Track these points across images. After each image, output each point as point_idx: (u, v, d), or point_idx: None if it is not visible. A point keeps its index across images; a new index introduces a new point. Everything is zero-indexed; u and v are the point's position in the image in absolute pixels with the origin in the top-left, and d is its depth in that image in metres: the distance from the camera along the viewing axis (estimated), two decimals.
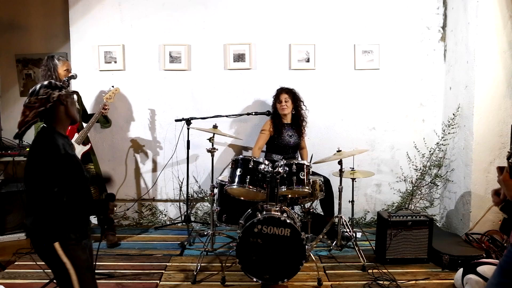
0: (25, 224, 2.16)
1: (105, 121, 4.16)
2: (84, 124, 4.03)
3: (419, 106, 4.72)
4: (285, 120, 4.30)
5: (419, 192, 4.75)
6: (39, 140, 2.12)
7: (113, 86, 4.19)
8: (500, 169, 1.77)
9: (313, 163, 3.98)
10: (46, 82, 2.18)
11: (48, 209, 2.08)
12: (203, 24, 4.64)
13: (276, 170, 3.31)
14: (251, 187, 3.36)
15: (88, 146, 3.96)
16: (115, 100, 4.25)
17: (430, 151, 4.68)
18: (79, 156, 3.89)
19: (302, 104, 4.34)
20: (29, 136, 2.42)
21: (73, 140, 3.87)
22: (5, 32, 4.79)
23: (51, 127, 2.16)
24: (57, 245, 2.09)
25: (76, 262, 2.12)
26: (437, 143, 4.64)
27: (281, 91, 4.27)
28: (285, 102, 4.22)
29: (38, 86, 2.16)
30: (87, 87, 4.56)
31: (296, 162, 3.45)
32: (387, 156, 4.77)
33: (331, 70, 4.68)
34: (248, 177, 3.36)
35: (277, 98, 4.27)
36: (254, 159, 3.43)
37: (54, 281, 3.13)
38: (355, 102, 4.70)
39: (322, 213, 4.28)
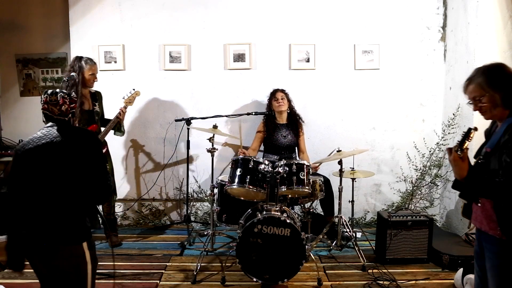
0: (37, 229, 2.01)
1: (118, 129, 4.05)
2: (102, 128, 3.99)
3: (419, 106, 4.72)
4: (279, 120, 4.31)
5: (419, 192, 4.75)
6: (89, 135, 2.16)
7: (134, 89, 4.04)
8: (449, 150, 1.97)
9: (312, 163, 4.00)
10: (73, 94, 2.25)
11: (83, 208, 2.07)
12: (203, 24, 4.64)
13: (276, 170, 3.31)
14: (251, 187, 3.36)
15: (103, 150, 3.92)
16: (116, 100, 4.20)
17: (430, 151, 4.68)
18: None
19: (293, 103, 4.41)
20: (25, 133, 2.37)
21: None
22: (5, 32, 4.79)
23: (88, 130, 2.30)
24: (85, 245, 2.05)
25: (94, 263, 2.10)
26: (437, 143, 4.64)
27: (276, 90, 4.34)
28: (282, 99, 4.26)
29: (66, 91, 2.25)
30: None
31: (296, 162, 3.45)
32: (387, 156, 4.77)
33: (331, 70, 4.68)
34: (248, 177, 3.36)
35: (273, 96, 4.31)
36: (254, 159, 3.43)
37: None
38: (355, 102, 4.70)
39: (322, 213, 4.28)
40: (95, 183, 2.08)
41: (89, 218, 2.12)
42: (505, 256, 1.98)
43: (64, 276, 2.04)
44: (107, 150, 4.02)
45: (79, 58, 3.86)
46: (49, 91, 2.19)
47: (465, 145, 1.96)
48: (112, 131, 4.04)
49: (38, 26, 4.81)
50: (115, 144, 4.71)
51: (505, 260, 1.99)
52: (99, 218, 2.52)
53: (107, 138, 4.00)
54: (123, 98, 4.00)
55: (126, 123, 4.71)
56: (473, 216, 2.13)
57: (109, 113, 4.13)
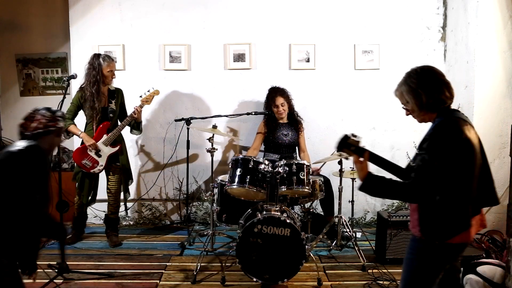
0: None
1: (136, 127, 4.06)
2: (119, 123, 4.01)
3: None
4: (280, 120, 4.31)
5: None
6: (32, 152, 2.08)
7: (152, 88, 4.02)
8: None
9: (312, 163, 4.00)
10: (60, 113, 2.27)
11: (9, 225, 1.96)
12: (203, 24, 4.64)
13: (276, 170, 3.31)
14: (251, 187, 3.36)
15: (116, 148, 3.96)
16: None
17: None
18: (105, 158, 3.91)
19: (292, 100, 4.35)
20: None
21: (101, 141, 3.88)
22: (5, 32, 4.80)
23: (39, 146, 2.12)
24: None
25: None
26: None
27: (276, 94, 4.25)
28: (282, 106, 4.23)
29: (55, 109, 2.28)
30: None
31: (296, 162, 3.45)
32: (387, 156, 4.66)
33: (331, 70, 4.68)
34: (248, 177, 3.36)
35: (272, 102, 4.25)
36: (254, 159, 3.43)
37: (55, 281, 3.14)
38: (355, 102, 4.70)
39: (322, 213, 4.28)
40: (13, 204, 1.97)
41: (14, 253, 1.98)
42: (419, 253, 2.01)
43: None
44: (121, 148, 4.02)
45: (97, 56, 3.87)
46: (35, 108, 2.23)
47: (344, 150, 2.12)
48: (129, 130, 4.09)
49: (38, 26, 4.81)
50: None
51: (418, 257, 2.02)
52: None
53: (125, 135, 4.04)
54: (140, 96, 4.00)
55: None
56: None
57: None
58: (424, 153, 1.94)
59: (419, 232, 1.99)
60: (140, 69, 4.68)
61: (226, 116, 4.45)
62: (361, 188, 2.11)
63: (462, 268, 3.12)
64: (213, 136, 3.88)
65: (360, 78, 4.68)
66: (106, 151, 3.91)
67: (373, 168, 2.15)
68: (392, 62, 4.67)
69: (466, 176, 1.91)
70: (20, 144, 2.08)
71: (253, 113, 4.35)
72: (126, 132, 4.13)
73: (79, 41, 4.64)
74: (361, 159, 2.12)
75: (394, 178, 2.12)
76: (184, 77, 4.69)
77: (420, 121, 2.17)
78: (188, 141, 4.30)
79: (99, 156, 3.89)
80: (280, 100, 4.22)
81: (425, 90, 2.04)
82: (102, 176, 4.14)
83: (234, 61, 4.66)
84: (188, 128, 4.27)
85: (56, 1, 4.78)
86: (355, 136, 2.15)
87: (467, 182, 1.92)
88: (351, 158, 2.25)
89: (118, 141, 4.00)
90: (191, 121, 4.26)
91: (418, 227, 1.99)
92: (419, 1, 4.62)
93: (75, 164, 3.96)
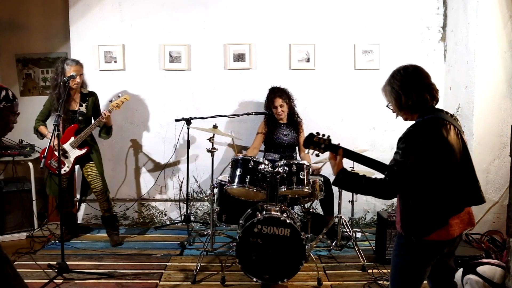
0: None
1: (104, 131, 4.08)
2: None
3: None
4: (280, 120, 4.31)
5: None
6: None
7: (123, 93, 4.06)
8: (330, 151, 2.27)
9: (313, 163, 4.00)
10: (4, 93, 2.00)
11: None
12: (203, 24, 4.64)
13: (276, 170, 3.31)
14: (251, 187, 3.35)
15: (83, 150, 3.97)
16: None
17: None
18: (72, 160, 3.92)
19: (294, 101, 4.36)
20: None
21: (68, 143, 3.89)
22: (5, 32, 4.79)
23: None
24: None
25: None
26: None
27: (275, 95, 4.24)
28: (281, 108, 4.23)
29: None
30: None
31: (296, 162, 3.45)
32: (387, 156, 4.71)
33: (331, 70, 4.68)
34: (248, 177, 3.36)
35: (271, 103, 4.25)
36: (254, 159, 3.43)
37: (55, 281, 3.14)
38: (355, 102, 4.70)
39: (322, 213, 4.28)
40: None
41: None
42: (401, 249, 2.08)
43: None
44: (88, 150, 4.00)
45: (63, 60, 3.90)
46: None
47: (311, 147, 2.26)
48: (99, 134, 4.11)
49: (38, 26, 4.81)
50: (115, 144, 4.71)
51: (400, 253, 2.09)
52: None
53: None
54: (110, 101, 4.01)
55: (126, 123, 4.72)
56: None
57: (112, 114, 4.10)
58: (398, 152, 2.01)
59: (400, 228, 2.06)
60: (140, 69, 4.68)
61: (226, 116, 4.45)
62: (334, 183, 2.20)
63: (461, 268, 3.13)
64: (213, 136, 3.88)
65: (360, 78, 4.68)
66: (72, 152, 3.93)
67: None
68: (392, 62, 4.65)
69: (441, 175, 1.97)
70: None
71: (253, 113, 4.35)
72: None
73: (79, 41, 4.64)
74: (338, 156, 2.23)
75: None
76: (184, 77, 4.69)
77: (405, 120, 2.22)
78: (188, 141, 4.30)
79: (66, 157, 3.92)
80: (278, 102, 4.22)
81: (405, 92, 2.10)
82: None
83: (234, 61, 4.66)
84: (188, 128, 4.27)
85: (56, 1, 4.78)
86: (319, 134, 2.28)
87: (441, 181, 1.97)
88: (323, 156, 2.38)
89: (88, 143, 4.00)
90: (191, 121, 4.26)
91: (400, 223, 2.07)
92: (419, 1, 4.62)
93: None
